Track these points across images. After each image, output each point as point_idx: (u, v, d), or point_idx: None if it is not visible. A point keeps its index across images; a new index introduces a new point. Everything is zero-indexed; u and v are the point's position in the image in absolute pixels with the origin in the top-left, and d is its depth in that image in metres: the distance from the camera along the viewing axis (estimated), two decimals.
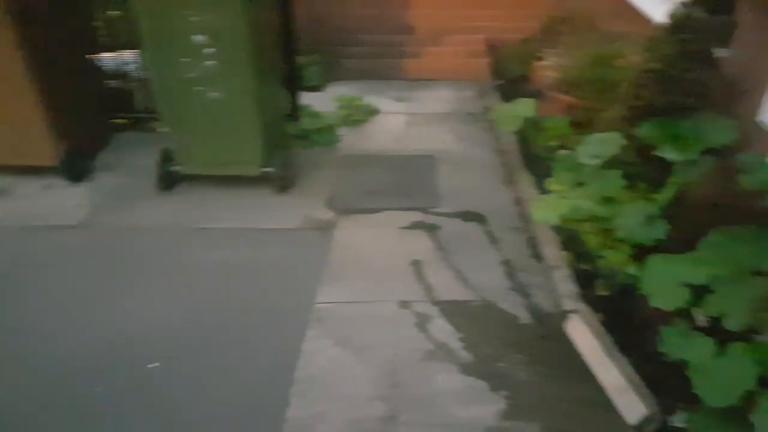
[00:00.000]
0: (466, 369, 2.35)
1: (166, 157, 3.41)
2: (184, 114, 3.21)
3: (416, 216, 3.33)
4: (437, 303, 2.69)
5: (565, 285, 2.75)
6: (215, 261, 2.94)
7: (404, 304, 2.68)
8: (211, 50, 3.01)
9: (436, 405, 2.19)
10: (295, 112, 4.07)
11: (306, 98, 4.31)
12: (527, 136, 3.54)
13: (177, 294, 2.74)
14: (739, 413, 1.77)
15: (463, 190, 3.58)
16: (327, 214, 3.34)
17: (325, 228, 3.22)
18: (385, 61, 5.09)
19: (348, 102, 4.47)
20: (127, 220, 3.25)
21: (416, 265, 2.95)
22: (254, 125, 3.22)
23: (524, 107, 3.46)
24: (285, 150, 3.68)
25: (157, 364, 2.36)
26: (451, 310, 2.66)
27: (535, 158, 3.46)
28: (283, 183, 3.52)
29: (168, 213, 3.32)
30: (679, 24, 2.36)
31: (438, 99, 4.86)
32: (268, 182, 3.47)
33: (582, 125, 3.23)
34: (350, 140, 4.19)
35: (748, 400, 1.76)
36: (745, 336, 1.89)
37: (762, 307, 1.89)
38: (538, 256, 2.99)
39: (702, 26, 2.35)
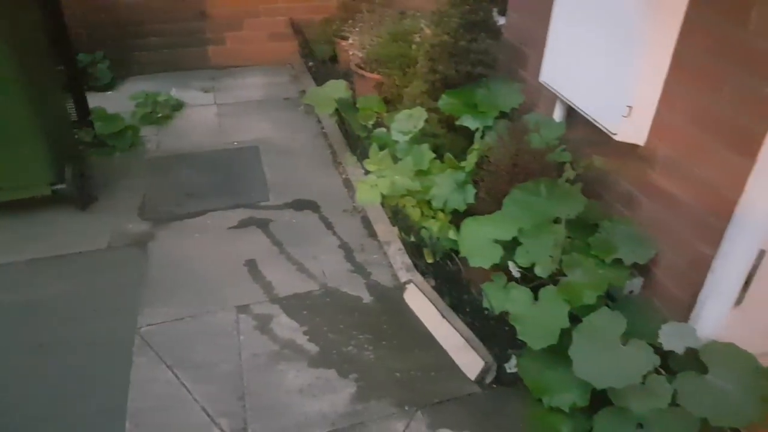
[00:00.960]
0: (314, 361, 2.32)
1: None
2: None
3: (245, 213, 3.20)
4: (278, 300, 2.62)
5: (399, 258, 2.85)
6: (14, 302, 2.55)
7: (242, 309, 2.57)
8: None
9: (287, 405, 2.14)
10: (84, 117, 3.60)
11: (97, 100, 3.87)
12: (345, 117, 3.56)
13: None
14: (559, 350, 1.96)
15: (292, 178, 3.51)
16: (141, 226, 3.06)
17: (141, 242, 2.94)
18: (185, 50, 4.76)
19: (147, 98, 4.10)
20: None
21: (251, 264, 2.83)
22: (32, 139, 2.78)
23: (335, 88, 3.48)
24: (78, 161, 3.26)
25: None
26: (293, 305, 2.60)
27: (356, 138, 3.51)
28: (82, 199, 3.13)
29: None
30: None
31: (249, 86, 4.68)
32: (65, 201, 3.07)
33: (393, 102, 3.33)
34: (157, 140, 3.87)
35: (565, 337, 1.96)
36: (554, 280, 2.10)
37: (562, 251, 2.12)
38: (373, 235, 3.05)
39: None
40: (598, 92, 2.08)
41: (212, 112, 4.25)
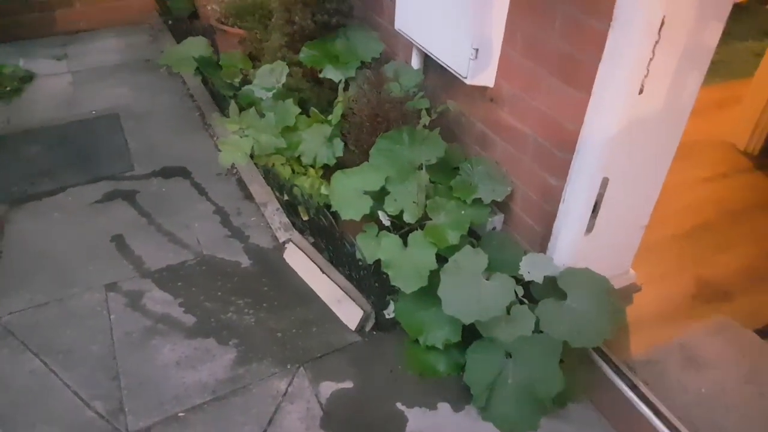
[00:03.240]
0: (192, 332, 2.26)
1: None
2: None
3: (108, 186, 2.99)
4: (149, 275, 2.50)
5: (276, 218, 2.80)
6: None
7: (111, 287, 2.43)
8: None
9: (165, 380, 2.08)
10: None
11: None
12: (209, 76, 3.38)
13: None
14: (430, 291, 2.02)
15: (158, 144, 3.31)
16: None
17: None
18: (29, 16, 4.26)
19: None
20: None
21: (118, 240, 2.67)
22: None
23: (195, 46, 3.28)
24: None
25: None
26: (166, 277, 2.50)
27: (223, 98, 3.35)
28: None
29: None
30: None
31: (105, 50, 4.30)
32: None
33: (258, 57, 3.20)
34: (7, 116, 3.50)
35: (434, 278, 2.02)
36: (421, 224, 2.15)
37: (426, 195, 2.16)
38: (249, 197, 2.96)
39: None
40: (447, 37, 2.09)
41: (66, 81, 3.88)
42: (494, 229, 2.29)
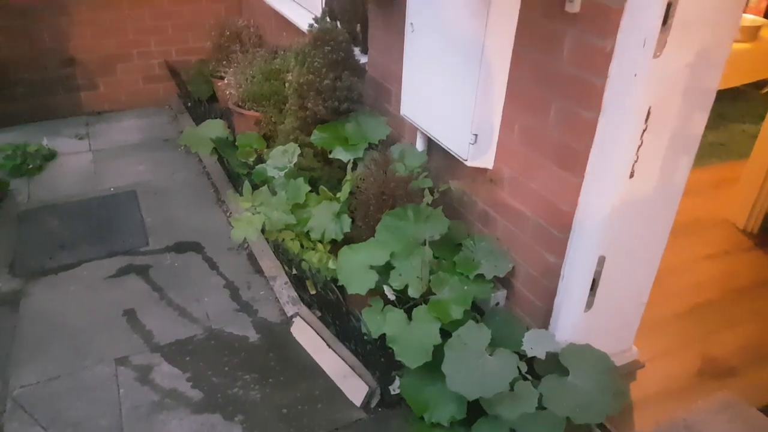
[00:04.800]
0: (199, 407, 2.27)
1: None
2: None
3: (122, 261, 3.08)
4: (159, 349, 2.54)
5: (285, 292, 2.86)
6: None
7: (121, 361, 2.46)
8: None
9: None
10: None
11: None
12: (224, 155, 3.55)
13: None
14: (434, 367, 2.03)
15: (173, 220, 3.43)
16: (11, 284, 2.87)
17: (12, 300, 2.77)
18: (55, 97, 4.54)
19: (16, 150, 3.88)
20: None
21: (130, 314, 2.73)
22: None
23: (213, 128, 3.47)
24: None
25: None
26: (175, 351, 2.53)
27: (237, 176, 3.50)
28: None
29: None
30: (319, 37, 2.61)
31: (126, 129, 4.54)
32: None
33: (273, 138, 3.37)
34: (28, 192, 3.66)
35: (439, 353, 2.04)
36: (426, 299, 2.20)
37: (430, 270, 2.23)
38: (259, 271, 3.04)
39: (339, 37, 2.63)
40: (449, 123, 2.24)
41: (87, 159, 4.08)
42: (498, 304, 2.34)
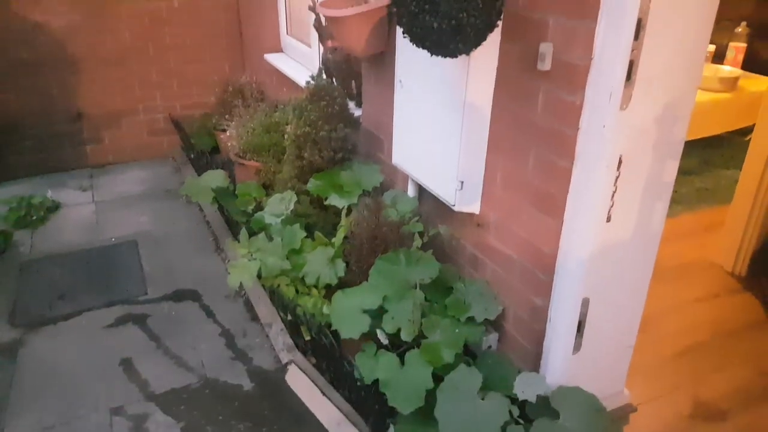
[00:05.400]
0: None
1: None
2: None
3: (121, 310, 3.13)
4: (154, 398, 2.56)
5: (280, 339, 2.89)
6: None
7: (116, 411, 2.48)
8: None
9: None
10: None
11: None
12: (224, 204, 3.65)
13: None
14: (428, 412, 2.04)
15: (172, 269, 3.49)
16: (10, 334, 2.92)
17: (11, 350, 2.81)
18: (62, 151, 4.70)
19: (21, 202, 3.99)
20: None
21: (126, 363, 2.76)
22: None
23: (214, 178, 3.58)
24: None
25: None
26: (170, 400, 2.55)
27: (236, 224, 3.58)
28: None
29: None
30: (315, 93, 2.75)
31: (129, 181, 4.67)
32: None
33: (272, 187, 3.48)
34: (31, 243, 3.75)
35: (431, 397, 2.05)
36: (418, 342, 2.23)
37: (422, 314, 2.28)
38: (255, 318, 3.07)
39: (335, 93, 2.78)
40: (437, 171, 2.33)
41: (90, 210, 4.18)
42: (490, 347, 2.37)
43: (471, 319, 2.26)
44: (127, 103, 4.79)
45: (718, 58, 4.75)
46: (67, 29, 4.42)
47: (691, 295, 3.09)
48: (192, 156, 4.63)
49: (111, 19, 4.54)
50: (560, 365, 2.11)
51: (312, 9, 3.28)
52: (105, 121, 4.77)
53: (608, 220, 1.81)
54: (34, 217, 3.96)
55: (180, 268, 3.51)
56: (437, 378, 2.11)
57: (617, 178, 1.75)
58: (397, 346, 2.27)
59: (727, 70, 4.47)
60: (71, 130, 4.68)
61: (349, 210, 2.80)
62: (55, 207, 4.17)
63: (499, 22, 1.82)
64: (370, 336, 2.32)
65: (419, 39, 1.88)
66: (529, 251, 2.07)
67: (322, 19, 3.15)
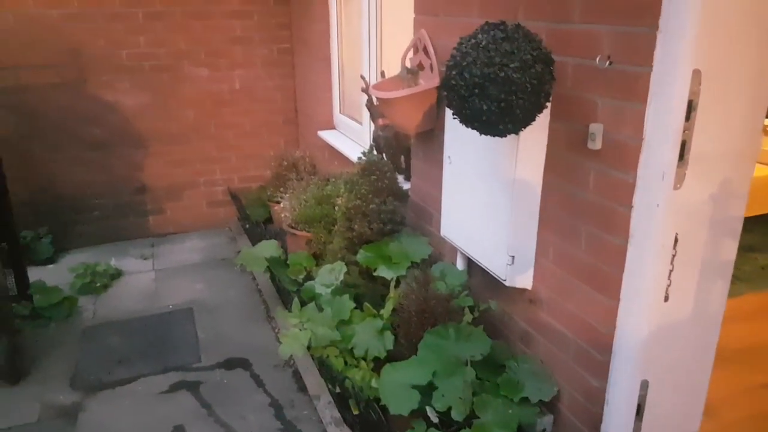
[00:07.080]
0: None
1: None
2: None
3: (176, 377, 3.20)
4: None
5: (328, 413, 2.87)
6: None
7: None
8: None
9: None
10: (23, 291, 3.68)
11: (38, 273, 3.97)
12: (276, 273, 3.74)
13: None
14: None
15: (224, 336, 3.57)
16: (71, 397, 3.02)
17: (71, 413, 2.89)
18: (126, 221, 4.98)
19: (87, 269, 4.21)
20: None
21: (179, 430, 2.79)
22: None
23: (267, 248, 3.70)
24: (12, 336, 3.26)
25: None
26: None
27: (287, 293, 3.66)
28: (13, 374, 3.10)
29: None
30: (366, 167, 2.86)
31: (188, 250, 4.87)
32: None
33: (322, 257, 3.57)
34: (94, 309, 3.92)
35: None
36: (469, 422, 2.18)
37: (473, 392, 2.23)
38: (303, 389, 3.08)
39: (384, 168, 2.88)
40: (487, 245, 2.35)
41: (149, 278, 4.36)
42: (544, 430, 2.28)
43: (525, 400, 2.20)
44: (189, 176, 5.07)
45: None
46: (136, 109, 4.79)
47: (760, 380, 2.90)
48: (247, 226, 4.81)
49: (177, 101, 4.89)
50: None
51: (364, 90, 3.46)
52: (167, 193, 5.05)
53: (666, 299, 1.77)
54: (98, 284, 4.15)
55: (232, 336, 3.58)
56: None
57: (674, 257, 1.73)
58: (448, 425, 2.22)
59: None
60: (135, 201, 4.97)
61: (398, 282, 2.83)
62: (117, 274, 4.37)
63: (548, 104, 1.88)
64: (419, 413, 2.28)
65: (469, 120, 1.95)
66: (583, 329, 2.03)
67: (374, 100, 3.31)
